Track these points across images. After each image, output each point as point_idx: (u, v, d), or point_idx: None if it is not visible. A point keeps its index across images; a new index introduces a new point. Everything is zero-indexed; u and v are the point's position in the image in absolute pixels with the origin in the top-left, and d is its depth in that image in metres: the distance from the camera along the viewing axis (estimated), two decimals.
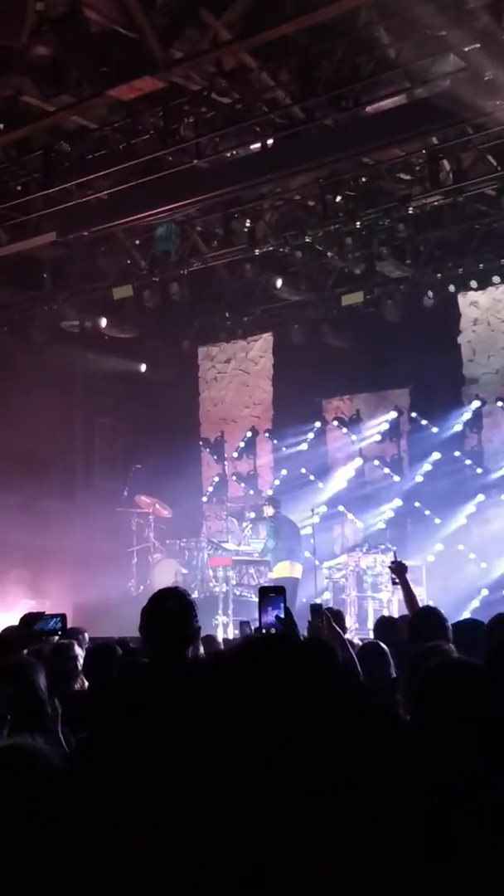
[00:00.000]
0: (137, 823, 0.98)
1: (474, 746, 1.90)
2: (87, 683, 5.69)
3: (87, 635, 7.60)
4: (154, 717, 1.04)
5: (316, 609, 5.71)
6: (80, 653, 5.92)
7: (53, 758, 1.78)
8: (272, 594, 3.75)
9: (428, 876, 1.01)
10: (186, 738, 1.00)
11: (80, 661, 5.84)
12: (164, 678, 1.07)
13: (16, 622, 6.70)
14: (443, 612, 5.88)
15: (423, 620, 5.71)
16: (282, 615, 3.65)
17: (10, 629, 6.59)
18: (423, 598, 12.16)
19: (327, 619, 5.64)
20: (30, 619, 5.20)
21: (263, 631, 3.67)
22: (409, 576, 7.35)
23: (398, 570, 7.28)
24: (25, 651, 5.15)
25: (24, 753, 1.89)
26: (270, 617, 3.65)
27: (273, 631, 3.61)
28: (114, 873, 0.99)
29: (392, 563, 7.50)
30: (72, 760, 1.65)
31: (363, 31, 10.62)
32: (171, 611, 3.69)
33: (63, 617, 5.59)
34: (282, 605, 3.65)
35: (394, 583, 7.73)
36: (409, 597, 7.14)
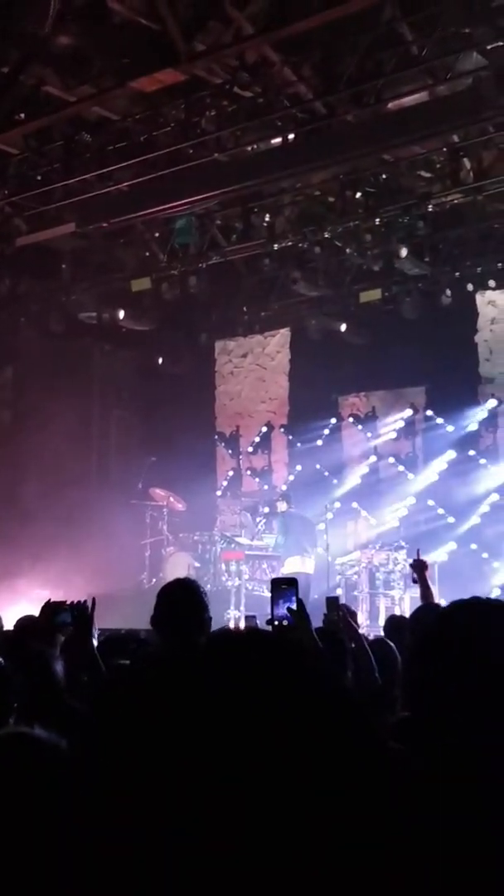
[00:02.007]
0: (140, 813, 0.98)
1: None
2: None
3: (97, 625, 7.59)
4: (157, 705, 1.04)
5: (332, 602, 5.69)
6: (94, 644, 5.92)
7: (56, 746, 1.78)
8: (284, 586, 3.73)
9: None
10: (185, 728, 1.00)
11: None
12: (172, 667, 1.08)
13: (30, 612, 6.72)
14: None
15: (425, 614, 5.70)
16: (294, 607, 3.64)
17: (28, 618, 6.60)
18: (435, 596, 12.13)
19: (343, 613, 5.63)
20: (50, 609, 5.18)
21: (276, 623, 3.66)
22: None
23: (419, 567, 7.25)
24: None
25: (23, 741, 1.89)
26: (282, 609, 3.64)
27: (286, 623, 3.60)
28: (115, 864, 0.99)
29: (415, 560, 7.47)
30: (77, 749, 1.65)
31: (386, 27, 10.59)
32: (180, 601, 3.70)
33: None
34: (294, 597, 3.63)
35: (413, 581, 7.70)
36: (427, 595, 7.12)
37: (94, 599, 5.04)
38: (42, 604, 5.41)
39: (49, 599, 5.41)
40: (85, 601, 5.06)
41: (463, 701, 1.86)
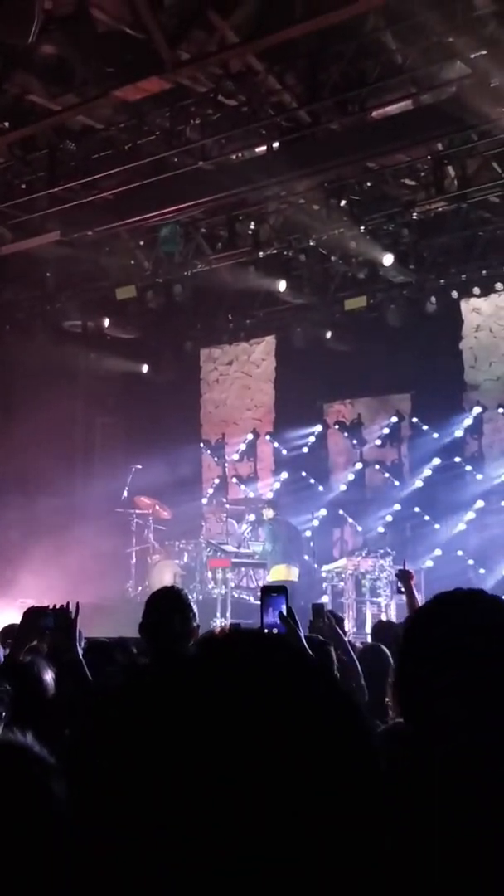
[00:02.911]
0: (130, 823, 0.98)
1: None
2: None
3: (82, 634, 7.56)
4: (146, 712, 1.04)
5: (318, 609, 5.68)
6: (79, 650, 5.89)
7: (43, 755, 1.77)
8: (274, 593, 3.73)
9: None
10: (178, 733, 1.00)
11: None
12: (161, 675, 1.07)
13: (15, 621, 6.68)
14: None
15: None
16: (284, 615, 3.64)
17: (11, 627, 6.57)
18: (421, 603, 12.15)
19: (329, 619, 5.62)
20: (33, 614, 5.14)
21: (266, 631, 3.66)
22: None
23: (404, 577, 7.23)
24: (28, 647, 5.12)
25: (10, 750, 1.88)
26: (272, 617, 3.64)
27: (275, 631, 3.60)
28: (106, 871, 0.99)
29: (399, 570, 7.46)
30: (65, 757, 1.65)
31: (370, 36, 10.63)
32: (168, 609, 3.70)
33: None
34: (283, 604, 3.64)
35: (398, 591, 7.69)
36: (413, 605, 7.10)
37: (77, 604, 5.01)
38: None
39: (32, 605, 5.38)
40: (68, 604, 5.02)
41: (453, 694, 1.86)
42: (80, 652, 4.95)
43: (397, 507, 16.75)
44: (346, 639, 5.87)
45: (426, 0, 9.68)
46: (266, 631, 3.67)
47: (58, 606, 5.07)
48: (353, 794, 0.99)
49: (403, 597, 7.36)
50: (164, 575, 15.71)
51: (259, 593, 3.98)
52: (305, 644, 3.63)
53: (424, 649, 1.96)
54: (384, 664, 5.46)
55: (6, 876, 1.60)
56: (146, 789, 0.98)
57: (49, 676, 4.18)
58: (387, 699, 4.40)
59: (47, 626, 4.99)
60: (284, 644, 1.10)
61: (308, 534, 15.97)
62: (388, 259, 14.48)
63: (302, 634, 3.66)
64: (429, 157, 13.12)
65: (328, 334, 17.09)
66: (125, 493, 17.30)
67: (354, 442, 17.62)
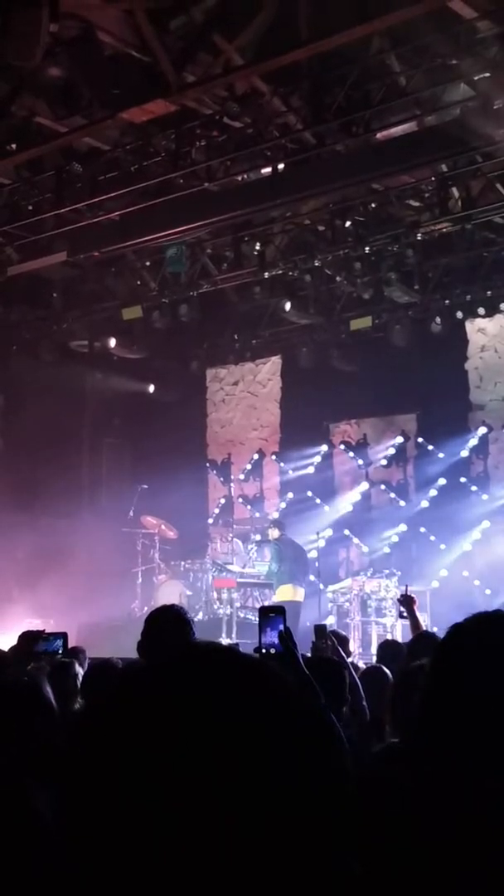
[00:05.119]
0: (122, 842, 0.99)
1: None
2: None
3: (87, 655, 7.56)
4: (140, 731, 1.05)
5: (321, 630, 5.67)
6: (80, 671, 5.91)
7: (28, 772, 1.78)
8: (272, 614, 3.73)
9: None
10: (166, 756, 1.01)
11: (80, 679, 5.82)
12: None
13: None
14: None
15: (420, 644, 5.68)
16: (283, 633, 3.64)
17: (9, 650, 6.57)
18: (426, 624, 12.11)
19: (332, 640, 5.60)
20: (30, 638, 5.16)
21: (264, 651, 3.66)
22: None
23: (406, 602, 7.19)
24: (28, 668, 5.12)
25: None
26: (270, 637, 3.64)
27: (273, 651, 3.60)
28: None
29: (402, 595, 7.43)
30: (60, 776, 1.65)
31: (375, 59, 10.71)
32: (167, 628, 3.69)
33: (64, 636, 5.57)
34: (281, 624, 3.64)
35: (401, 616, 7.65)
36: (417, 629, 7.07)
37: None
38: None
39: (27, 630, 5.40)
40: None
41: (481, 716, 1.85)
42: (81, 672, 4.95)
43: (403, 527, 16.73)
44: (349, 660, 5.86)
45: (430, 23, 9.75)
46: (264, 650, 3.67)
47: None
48: (319, 799, 1.00)
49: (407, 621, 7.33)
50: (170, 595, 15.66)
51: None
52: (302, 664, 3.63)
53: (463, 663, 1.95)
54: (385, 685, 5.44)
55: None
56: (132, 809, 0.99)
57: (49, 695, 4.18)
58: (385, 723, 4.38)
59: (45, 650, 5.01)
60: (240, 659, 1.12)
61: (314, 554, 15.94)
62: (392, 280, 14.53)
63: (299, 655, 3.65)
64: (433, 179, 13.19)
65: (334, 354, 17.12)
66: (131, 513, 17.30)
67: (360, 462, 17.62)
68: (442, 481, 16.49)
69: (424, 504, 16.68)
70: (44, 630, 5.17)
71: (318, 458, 18.03)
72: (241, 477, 19.01)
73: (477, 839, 1.72)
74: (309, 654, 5.24)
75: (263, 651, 3.66)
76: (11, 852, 1.61)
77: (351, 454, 17.77)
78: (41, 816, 1.59)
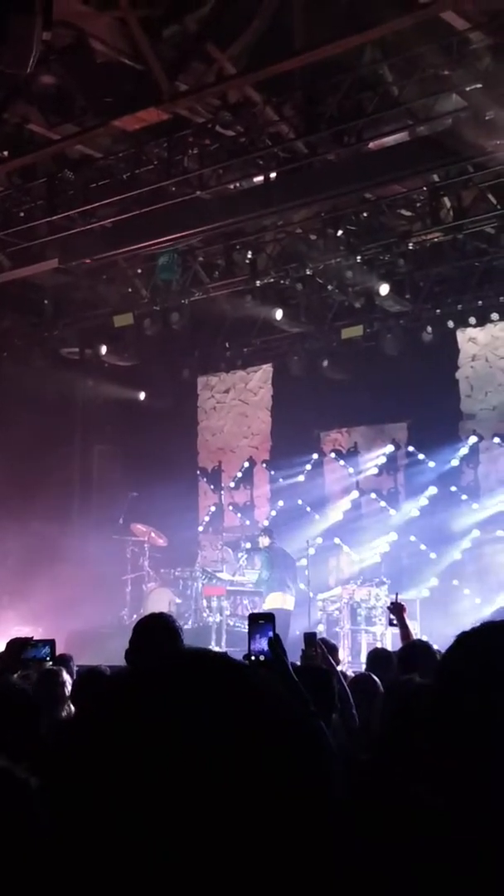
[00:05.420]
0: (110, 845, 0.99)
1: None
2: (73, 710, 5.67)
3: (75, 662, 7.55)
4: (127, 738, 1.05)
5: (310, 638, 5.67)
6: (68, 679, 5.90)
7: (25, 777, 1.78)
8: (262, 621, 3.74)
9: None
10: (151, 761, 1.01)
11: (69, 687, 5.82)
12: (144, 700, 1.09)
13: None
14: (435, 646, 5.83)
15: (412, 652, 5.68)
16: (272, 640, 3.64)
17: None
18: (416, 632, 12.10)
19: (322, 648, 5.61)
20: (17, 645, 5.14)
21: (253, 658, 3.66)
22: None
23: (396, 610, 7.18)
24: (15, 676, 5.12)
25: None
26: (259, 644, 3.65)
27: (262, 658, 3.60)
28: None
29: (392, 603, 7.42)
30: (48, 782, 1.65)
31: (367, 69, 10.76)
32: (155, 635, 3.69)
33: (52, 643, 5.55)
34: (271, 631, 3.64)
35: (391, 624, 7.63)
36: (407, 637, 7.07)
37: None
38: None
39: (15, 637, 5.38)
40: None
41: (489, 725, 1.83)
42: (71, 679, 4.94)
43: (393, 535, 16.73)
44: (339, 668, 5.86)
45: (422, 34, 9.79)
46: (253, 657, 3.67)
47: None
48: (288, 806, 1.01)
49: (397, 629, 7.32)
50: (160, 603, 15.65)
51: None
52: (291, 671, 3.63)
53: (470, 671, 1.93)
54: (373, 693, 5.44)
55: None
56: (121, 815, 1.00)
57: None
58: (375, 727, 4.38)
59: (33, 657, 5.00)
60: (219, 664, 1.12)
61: (304, 562, 15.93)
62: (384, 289, 14.56)
63: (288, 662, 3.65)
64: (425, 189, 13.23)
65: (325, 363, 17.13)
66: (121, 520, 17.27)
67: (351, 470, 17.62)
68: (432, 490, 16.51)
69: (415, 513, 16.69)
70: (32, 637, 5.15)
71: (308, 467, 18.02)
72: (232, 485, 19.00)
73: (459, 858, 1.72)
74: (298, 663, 5.24)
75: (253, 658, 3.67)
76: (11, 852, 1.61)
77: (341, 462, 17.77)
78: (41, 818, 1.59)
